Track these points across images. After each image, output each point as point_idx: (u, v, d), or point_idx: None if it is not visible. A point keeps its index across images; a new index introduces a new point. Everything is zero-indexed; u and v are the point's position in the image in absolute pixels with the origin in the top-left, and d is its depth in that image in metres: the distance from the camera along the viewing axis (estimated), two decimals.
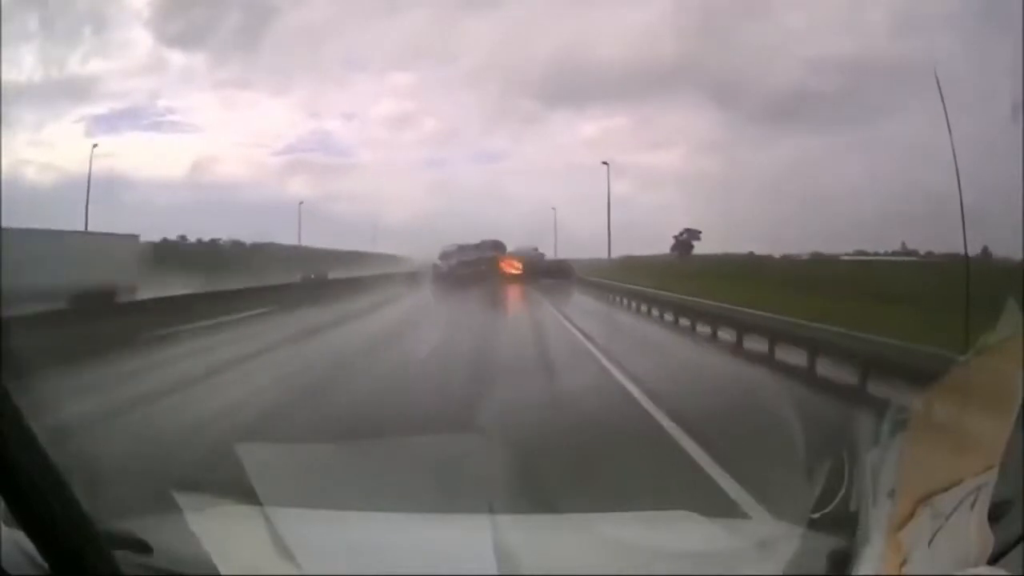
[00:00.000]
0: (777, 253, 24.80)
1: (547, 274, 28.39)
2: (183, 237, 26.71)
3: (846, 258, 23.10)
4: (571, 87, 30.66)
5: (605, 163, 25.19)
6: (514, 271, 29.33)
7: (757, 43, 25.23)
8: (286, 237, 27.89)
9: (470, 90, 33.70)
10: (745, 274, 22.45)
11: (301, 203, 27.44)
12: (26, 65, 23.97)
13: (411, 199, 31.05)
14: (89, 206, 23.43)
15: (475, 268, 28.32)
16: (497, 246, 29.52)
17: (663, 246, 28.32)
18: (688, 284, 20.02)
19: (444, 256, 29.19)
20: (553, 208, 27.59)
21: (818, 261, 23.59)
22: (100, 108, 29.12)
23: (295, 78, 32.85)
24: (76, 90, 27.14)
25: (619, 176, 25.76)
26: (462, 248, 29.18)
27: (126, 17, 30.36)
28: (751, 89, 26.45)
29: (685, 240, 28.17)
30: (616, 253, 27.34)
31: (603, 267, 27.15)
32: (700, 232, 27.79)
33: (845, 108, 22.65)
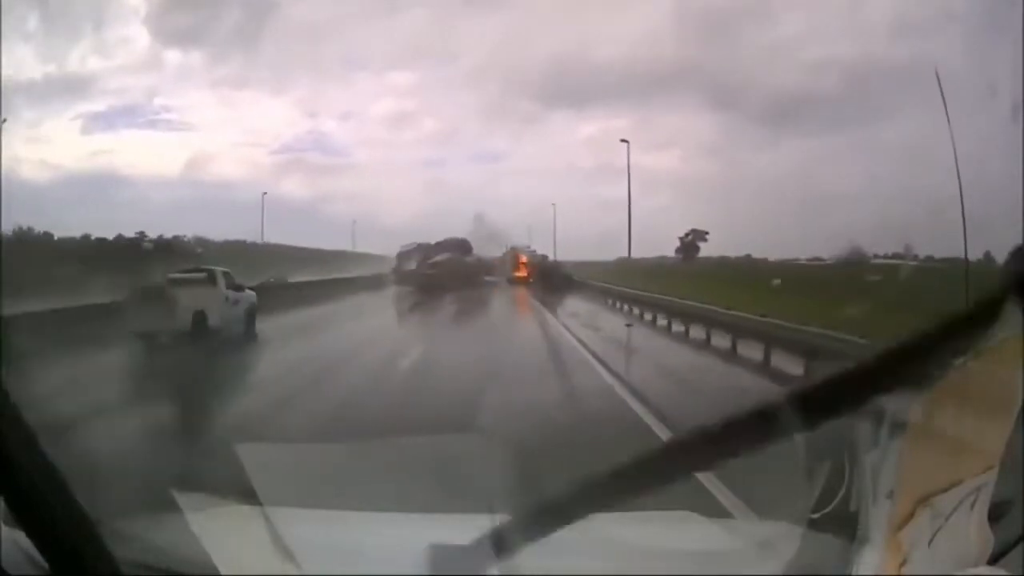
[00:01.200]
0: (773, 256, 24.45)
1: (546, 278, 25.62)
2: (142, 233, 24.95)
3: (877, 262, 21.66)
4: (571, 88, 30.62)
5: (624, 140, 23.08)
6: (522, 274, 26.56)
7: (757, 45, 25.21)
8: (281, 236, 27.59)
9: (469, 90, 33.72)
10: (764, 279, 21.24)
11: (264, 194, 26.00)
12: (24, 62, 23.97)
13: (409, 199, 30.80)
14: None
15: (439, 272, 24.35)
16: (461, 246, 25.99)
17: (662, 249, 27.78)
18: (722, 292, 16.92)
19: (402, 257, 26.04)
20: (553, 204, 26.00)
21: (838, 265, 22.20)
22: (97, 105, 29.08)
23: (293, 77, 32.86)
24: (74, 87, 27.12)
25: (618, 177, 25.49)
26: (421, 247, 25.94)
27: (124, 14, 30.31)
28: (751, 91, 26.41)
29: (691, 241, 27.11)
30: (613, 256, 26.60)
31: (609, 271, 25.15)
32: (707, 232, 26.73)
33: (845, 110, 22.57)
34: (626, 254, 26.34)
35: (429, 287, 22.89)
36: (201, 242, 26.27)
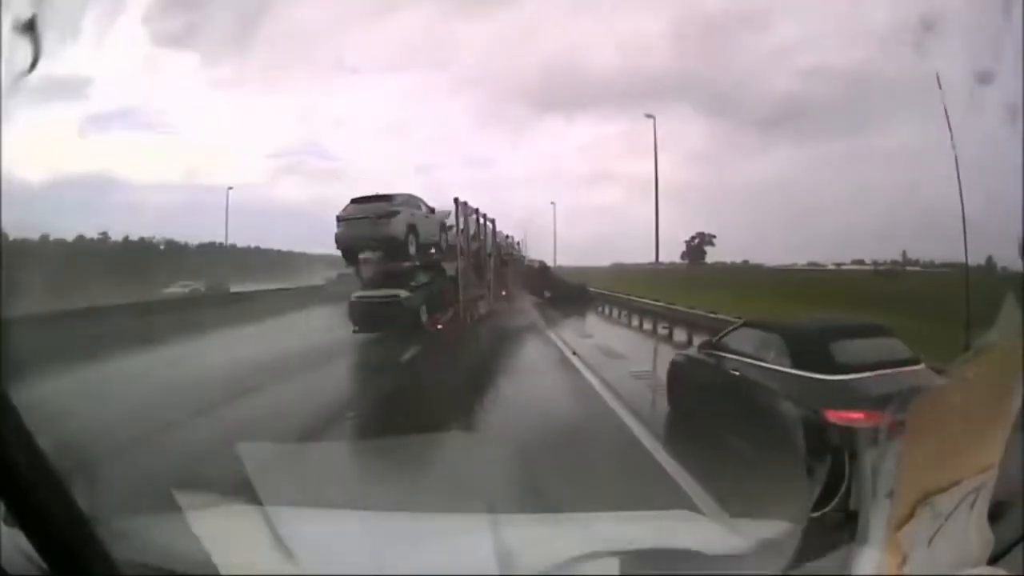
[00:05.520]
0: (769, 262, 24.04)
1: (550, 291, 20.02)
2: (104, 235, 24.75)
3: (913, 268, 19.61)
4: (564, 94, 30.54)
5: (650, 116, 19.51)
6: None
7: (751, 52, 25.07)
8: (275, 240, 27.40)
9: (462, 95, 33.53)
10: (781, 286, 19.10)
11: (230, 188, 23.96)
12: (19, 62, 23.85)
13: None
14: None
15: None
16: (409, 202, 15.44)
17: (661, 255, 27.04)
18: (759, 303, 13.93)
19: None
20: (552, 203, 22.59)
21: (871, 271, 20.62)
22: (94, 107, 29.00)
23: (288, 81, 32.56)
24: (69, 89, 27.05)
25: (610, 184, 24.78)
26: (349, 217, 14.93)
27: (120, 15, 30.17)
28: (745, 98, 26.29)
29: (697, 245, 25.67)
30: (606, 261, 25.58)
31: (610, 277, 22.83)
32: (714, 236, 25.12)
33: (840, 116, 22.40)
34: (620, 260, 25.05)
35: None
36: (170, 244, 26.15)
